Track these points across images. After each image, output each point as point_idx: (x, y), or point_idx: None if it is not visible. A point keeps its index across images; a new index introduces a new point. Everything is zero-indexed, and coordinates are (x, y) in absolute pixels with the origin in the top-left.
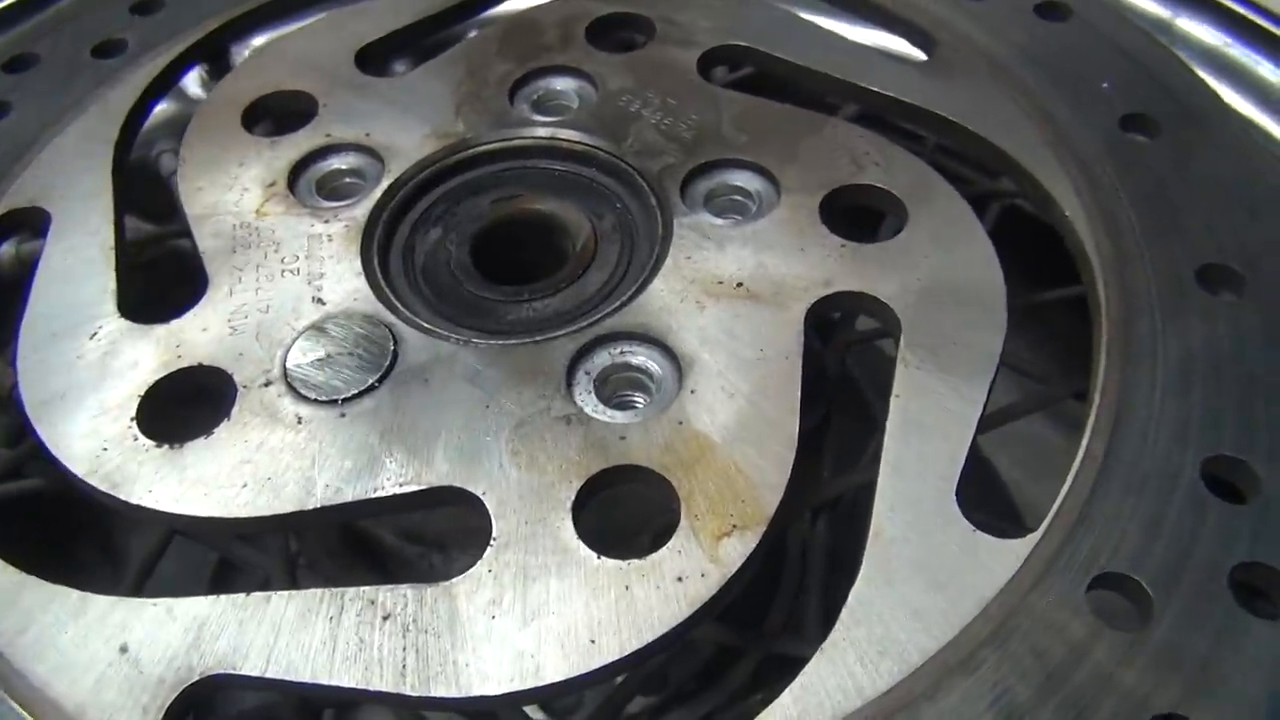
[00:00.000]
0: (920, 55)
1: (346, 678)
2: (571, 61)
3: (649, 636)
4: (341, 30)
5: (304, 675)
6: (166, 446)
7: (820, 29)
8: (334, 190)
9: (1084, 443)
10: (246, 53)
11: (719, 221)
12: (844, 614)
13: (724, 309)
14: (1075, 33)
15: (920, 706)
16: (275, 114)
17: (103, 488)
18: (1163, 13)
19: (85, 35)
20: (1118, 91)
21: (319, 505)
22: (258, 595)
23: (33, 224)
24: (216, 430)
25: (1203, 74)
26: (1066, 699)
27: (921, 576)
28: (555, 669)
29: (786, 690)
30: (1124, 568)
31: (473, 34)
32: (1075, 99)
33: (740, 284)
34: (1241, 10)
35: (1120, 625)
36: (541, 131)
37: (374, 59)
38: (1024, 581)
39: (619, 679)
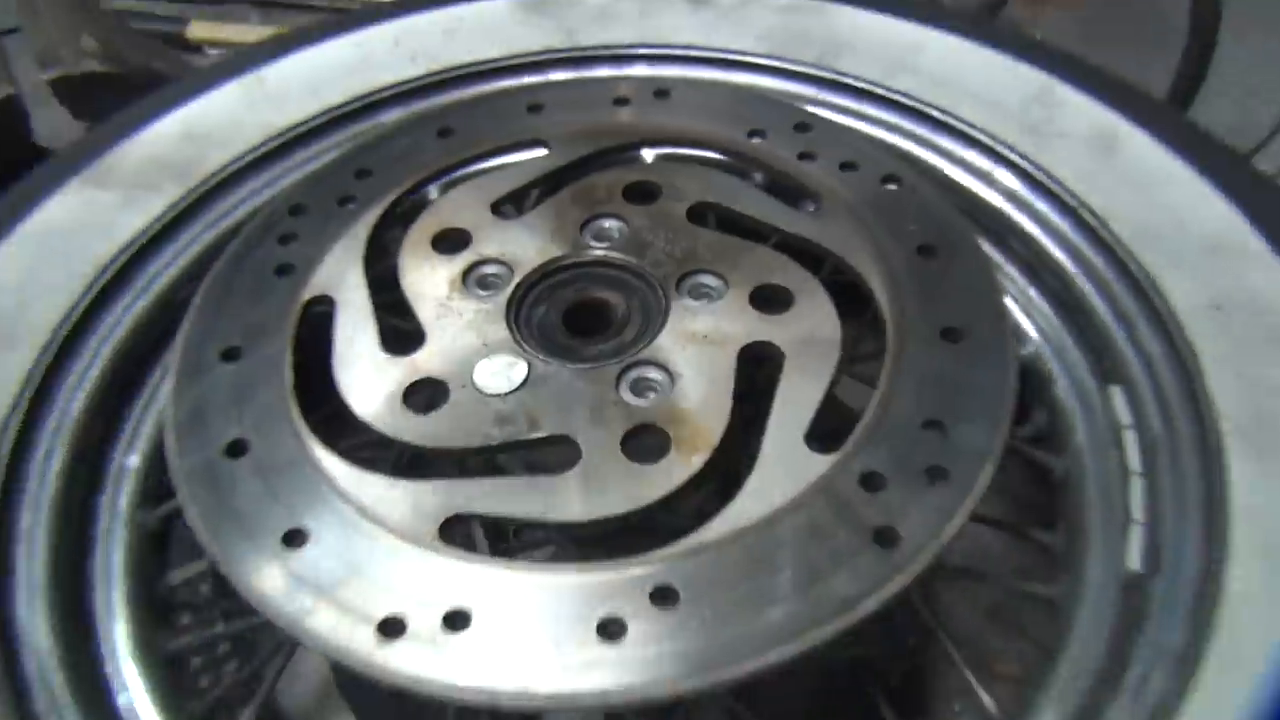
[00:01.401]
0: (812, 207)
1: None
2: (614, 210)
3: (660, 493)
4: (481, 190)
5: (500, 511)
6: (419, 416)
7: (759, 193)
8: (485, 285)
9: (872, 404)
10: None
11: (695, 304)
12: (756, 477)
13: (697, 349)
14: (903, 193)
15: (782, 519)
16: (449, 240)
17: (389, 433)
18: (985, 164)
19: (329, 193)
20: (918, 230)
21: (496, 443)
22: (476, 477)
23: (326, 305)
24: (442, 409)
25: (1010, 207)
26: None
27: (780, 469)
28: (615, 507)
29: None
30: (873, 464)
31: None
32: (893, 234)
33: (705, 336)
34: (1033, 171)
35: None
36: (598, 252)
37: (501, 207)
38: (831, 474)
39: None
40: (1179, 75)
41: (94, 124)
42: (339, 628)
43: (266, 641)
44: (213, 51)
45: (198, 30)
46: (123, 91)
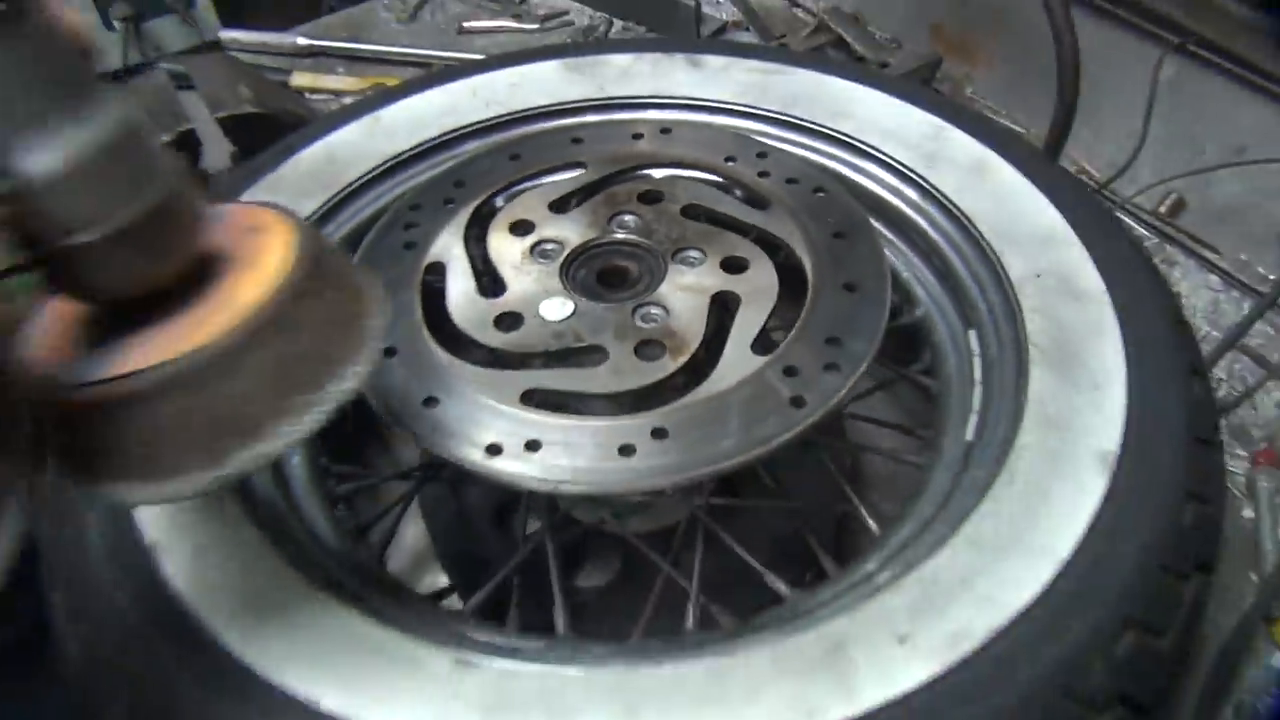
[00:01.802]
0: (766, 207)
1: (579, 386)
2: (631, 209)
3: (658, 378)
4: (541, 195)
5: (560, 387)
6: (504, 333)
7: (731, 199)
8: (545, 255)
9: (795, 328)
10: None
11: (684, 268)
12: (719, 368)
13: (684, 295)
14: (827, 198)
15: (733, 392)
16: (521, 227)
17: (484, 343)
18: (895, 182)
19: (437, 196)
20: (834, 222)
21: (555, 350)
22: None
23: (440, 269)
24: (519, 329)
25: (912, 212)
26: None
27: (733, 365)
28: (630, 385)
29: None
30: (792, 362)
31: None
32: (819, 223)
33: (690, 287)
34: (928, 187)
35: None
36: (620, 236)
37: (555, 206)
38: (765, 368)
39: None
40: (1052, 123)
41: (246, 152)
42: (462, 449)
43: (372, 508)
44: (313, 96)
45: (299, 80)
46: (269, 127)
